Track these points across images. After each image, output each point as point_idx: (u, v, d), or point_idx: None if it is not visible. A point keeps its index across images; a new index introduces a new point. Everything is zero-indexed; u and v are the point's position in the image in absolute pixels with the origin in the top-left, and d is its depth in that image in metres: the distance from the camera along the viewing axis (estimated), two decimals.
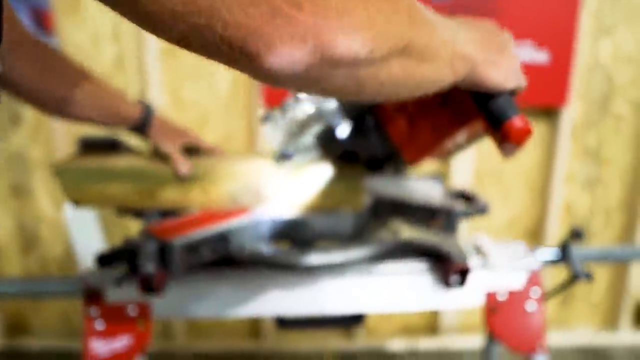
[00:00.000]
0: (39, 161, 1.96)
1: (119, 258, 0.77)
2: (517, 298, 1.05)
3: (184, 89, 1.89)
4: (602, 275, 2.20)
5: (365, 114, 0.79)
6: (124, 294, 0.96)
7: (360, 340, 2.12)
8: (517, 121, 0.61)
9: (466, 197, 1.11)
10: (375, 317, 2.18)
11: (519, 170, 2.04)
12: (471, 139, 0.82)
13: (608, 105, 1.98)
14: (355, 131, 0.82)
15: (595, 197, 2.08)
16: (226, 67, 0.40)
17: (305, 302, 0.98)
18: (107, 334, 0.96)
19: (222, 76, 1.88)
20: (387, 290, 1.00)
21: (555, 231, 2.06)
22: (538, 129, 1.99)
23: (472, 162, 1.98)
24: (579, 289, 2.21)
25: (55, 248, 2.06)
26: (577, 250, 1.13)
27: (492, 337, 1.30)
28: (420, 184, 1.09)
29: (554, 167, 1.96)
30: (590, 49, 1.91)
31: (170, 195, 0.93)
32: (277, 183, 0.93)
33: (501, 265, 1.04)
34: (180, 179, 0.92)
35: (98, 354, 0.95)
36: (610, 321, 2.22)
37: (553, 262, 1.12)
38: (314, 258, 0.87)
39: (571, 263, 1.10)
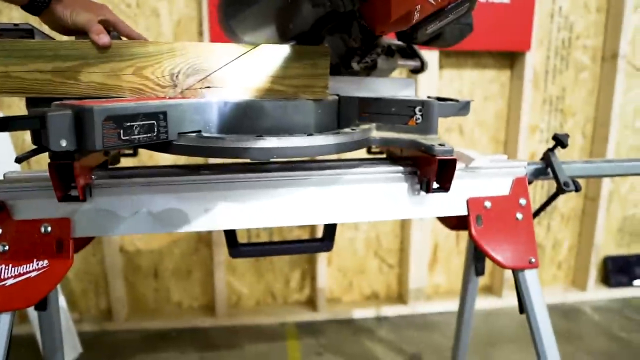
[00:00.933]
0: None
1: (18, 124, 0.58)
2: (504, 206, 0.93)
3: None
4: (568, 234, 2.16)
5: None
6: (37, 208, 0.78)
7: (323, 311, 1.96)
8: None
9: (443, 100, 1.00)
10: (337, 286, 2.04)
11: (482, 121, 1.97)
12: None
13: (569, 54, 1.94)
14: None
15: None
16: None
17: (263, 212, 0.83)
18: (14, 258, 0.77)
19: (166, 16, 1.70)
20: (358, 196, 0.86)
21: None
22: (500, 77, 1.92)
23: None
24: (546, 250, 2.16)
25: None
26: (561, 163, 1.03)
27: (479, 256, 1.19)
28: (392, 83, 0.96)
29: (519, 116, 1.89)
30: None
31: (96, 78, 0.76)
32: (227, 63, 0.78)
33: (484, 169, 0.92)
34: (103, 53, 0.74)
35: (3, 283, 0.76)
36: (579, 279, 2.18)
37: (538, 173, 1.02)
38: (271, 142, 0.71)
39: (554, 171, 1.00)
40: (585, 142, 2.06)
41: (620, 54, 1.88)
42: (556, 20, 1.90)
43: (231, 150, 0.71)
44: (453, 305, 2.04)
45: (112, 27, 0.81)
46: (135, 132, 0.66)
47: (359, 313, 1.99)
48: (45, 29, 0.81)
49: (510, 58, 1.89)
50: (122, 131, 0.64)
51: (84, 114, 0.61)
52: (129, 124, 0.65)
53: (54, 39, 0.84)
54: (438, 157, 0.79)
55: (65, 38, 0.83)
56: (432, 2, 0.69)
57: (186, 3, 1.70)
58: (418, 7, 0.69)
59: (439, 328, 1.93)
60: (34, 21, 0.81)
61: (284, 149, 0.72)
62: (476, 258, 1.20)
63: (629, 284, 2.20)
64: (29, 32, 0.82)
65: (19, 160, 0.61)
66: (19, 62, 0.74)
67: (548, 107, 1.98)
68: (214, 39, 1.65)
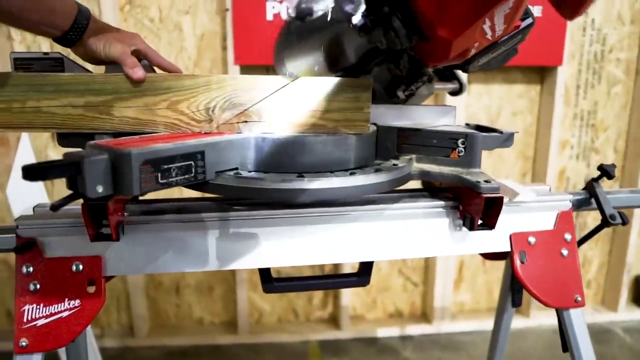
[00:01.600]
0: None
1: (54, 172, 0.56)
2: (548, 242, 0.89)
3: None
4: (598, 252, 2.09)
5: None
6: (68, 245, 0.75)
7: (347, 329, 1.93)
8: None
9: (484, 129, 0.96)
10: (360, 304, 2.00)
11: None
12: (511, 20, 0.65)
13: (601, 68, 1.88)
14: (374, 15, 0.64)
15: (590, 164, 1.98)
16: None
17: (300, 249, 0.80)
18: (46, 298, 0.75)
19: (190, 30, 1.68)
20: (398, 233, 0.83)
21: None
22: (529, 92, 1.87)
23: None
24: None
25: None
26: (608, 194, 0.98)
27: (517, 288, 1.15)
28: (431, 111, 0.92)
29: (549, 132, 1.83)
30: None
31: (130, 112, 0.73)
32: (265, 97, 0.74)
33: (529, 203, 0.88)
34: (137, 87, 0.72)
35: (34, 323, 0.74)
36: (609, 299, 2.11)
37: (580, 204, 0.97)
38: (312, 183, 0.68)
39: (599, 202, 0.95)
40: (617, 157, 1.99)
41: None
42: (588, 33, 1.84)
43: (271, 191, 0.68)
44: (478, 324, 1.99)
45: (143, 57, 0.79)
46: (173, 174, 0.63)
47: (383, 332, 1.95)
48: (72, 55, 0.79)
49: (540, 72, 1.84)
50: (159, 174, 0.62)
51: (121, 158, 0.58)
52: (166, 166, 0.62)
53: (84, 68, 0.82)
54: (484, 195, 0.75)
55: (91, 67, 0.81)
56: (489, 37, 0.65)
57: (210, 18, 1.68)
58: (476, 44, 0.65)
59: (465, 348, 1.88)
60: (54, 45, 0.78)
61: (325, 191, 0.69)
62: (514, 289, 1.15)
63: None
64: (58, 61, 0.80)
65: (54, 208, 0.58)
66: (51, 97, 0.72)
67: (579, 122, 1.92)
68: (238, 53, 1.63)
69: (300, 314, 1.99)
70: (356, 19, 0.65)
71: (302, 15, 0.58)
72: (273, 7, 1.59)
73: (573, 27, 1.80)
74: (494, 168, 1.93)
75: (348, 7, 0.63)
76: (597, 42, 1.85)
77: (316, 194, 0.69)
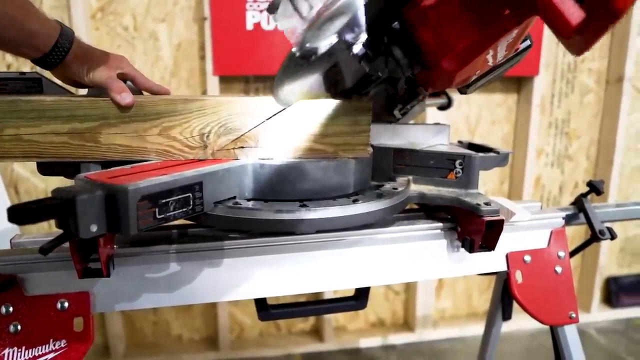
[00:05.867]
0: None
1: (44, 213, 0.51)
2: (543, 260, 0.89)
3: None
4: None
5: (390, 18, 0.60)
6: (51, 282, 0.71)
7: (330, 341, 1.90)
8: None
9: (478, 148, 0.95)
10: (342, 314, 1.98)
11: None
12: (510, 51, 0.65)
13: (574, 77, 1.93)
14: (376, 44, 0.62)
15: (564, 171, 2.03)
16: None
17: (296, 277, 0.77)
18: (28, 340, 0.69)
19: (166, 39, 1.62)
20: (396, 256, 0.81)
21: None
22: (507, 101, 1.90)
23: None
24: None
25: None
26: (596, 208, 1.00)
27: (508, 301, 1.15)
28: (425, 130, 0.91)
29: (526, 140, 1.87)
30: None
31: (118, 139, 0.69)
32: (263, 122, 0.71)
33: (523, 222, 0.88)
34: (126, 112, 0.68)
35: None
36: (583, 301, 2.16)
37: (569, 219, 0.98)
38: (315, 212, 0.66)
39: (588, 218, 0.97)
40: (589, 164, 2.04)
41: (626, 77, 1.87)
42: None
43: (274, 223, 0.65)
44: (459, 331, 2.01)
45: (130, 80, 0.75)
46: (171, 208, 0.60)
47: (366, 342, 1.93)
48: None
49: (517, 82, 1.87)
50: (157, 210, 0.58)
51: (117, 195, 0.54)
52: (164, 200, 0.59)
53: (64, 88, 0.77)
54: (486, 219, 0.75)
55: (72, 88, 0.76)
56: (490, 64, 0.65)
57: (187, 26, 1.62)
58: (478, 72, 0.64)
59: (447, 356, 1.89)
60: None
61: (329, 220, 0.67)
62: (504, 303, 1.16)
63: (631, 304, 2.20)
64: (36, 82, 0.76)
65: (44, 251, 0.54)
66: (32, 124, 0.67)
67: (554, 131, 1.96)
68: (218, 64, 1.58)
69: (282, 326, 1.95)
70: (357, 48, 0.63)
71: (307, 56, 0.56)
72: (253, 17, 1.55)
73: (548, 37, 1.84)
74: None
75: (349, 36, 0.60)
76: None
77: (320, 223, 0.67)
